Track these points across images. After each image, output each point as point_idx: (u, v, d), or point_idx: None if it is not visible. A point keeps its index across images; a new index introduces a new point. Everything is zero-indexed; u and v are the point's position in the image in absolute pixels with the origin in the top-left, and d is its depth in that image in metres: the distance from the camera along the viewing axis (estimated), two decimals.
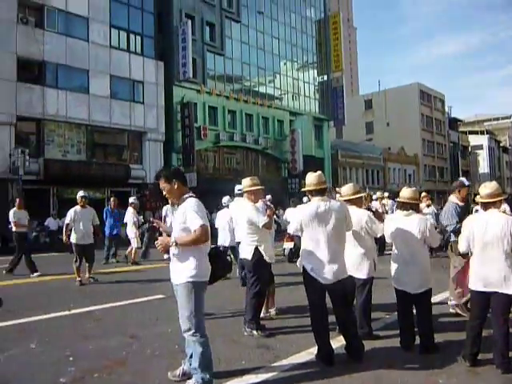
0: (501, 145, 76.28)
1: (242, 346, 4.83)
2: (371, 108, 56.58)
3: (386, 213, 12.03)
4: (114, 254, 12.97)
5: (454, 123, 63.97)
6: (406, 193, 4.86)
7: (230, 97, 30.93)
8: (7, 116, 20.45)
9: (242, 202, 5.60)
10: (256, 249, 5.30)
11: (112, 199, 13.23)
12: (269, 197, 13.48)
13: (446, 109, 62.51)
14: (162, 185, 3.73)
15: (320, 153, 38.28)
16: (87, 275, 9.33)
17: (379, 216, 5.40)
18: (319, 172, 4.57)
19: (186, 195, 3.70)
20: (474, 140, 68.29)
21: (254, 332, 5.14)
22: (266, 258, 5.34)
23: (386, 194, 14.56)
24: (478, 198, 4.35)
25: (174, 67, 27.39)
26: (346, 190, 5.17)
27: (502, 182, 75.57)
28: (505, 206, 11.31)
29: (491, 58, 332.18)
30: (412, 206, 4.80)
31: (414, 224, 4.66)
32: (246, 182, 5.49)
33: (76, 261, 9.09)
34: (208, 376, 3.52)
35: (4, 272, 10.29)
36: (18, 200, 10.75)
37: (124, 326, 5.74)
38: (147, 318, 6.06)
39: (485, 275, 4.13)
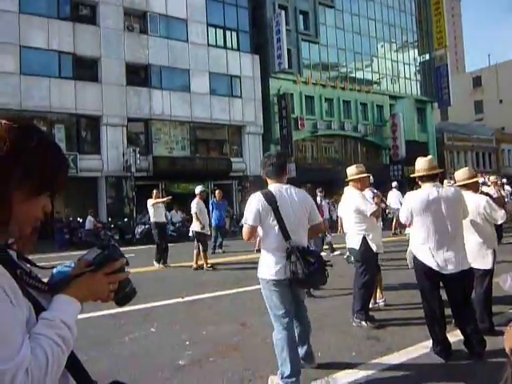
0: None
1: (351, 336, 4.75)
2: (480, 85, 52.31)
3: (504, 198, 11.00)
4: (221, 245, 13.49)
5: None
6: None
7: (326, 85, 30.47)
8: (120, 118, 22.20)
9: (348, 191, 5.47)
10: (364, 238, 5.18)
11: (217, 192, 13.68)
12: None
13: None
14: None
15: (423, 137, 36.29)
16: (197, 263, 10.09)
17: (499, 201, 4.96)
18: (430, 156, 4.31)
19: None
20: None
21: (363, 323, 5.03)
22: (373, 247, 5.20)
23: (505, 181, 13.34)
24: None
25: (269, 59, 27.63)
26: (461, 174, 4.81)
27: None
28: None
29: None
30: None
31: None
32: (352, 171, 5.37)
33: (204, 249, 9.99)
34: (287, 372, 3.43)
35: (156, 265, 10.62)
36: (155, 192, 11.21)
37: (234, 313, 5.96)
38: (256, 306, 6.20)
39: None
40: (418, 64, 37.70)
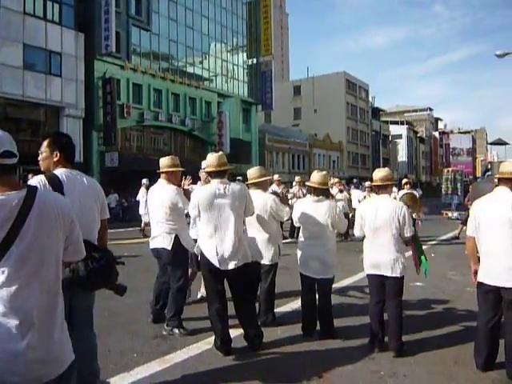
0: (418, 135, 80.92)
1: (138, 336, 4.54)
2: (300, 94, 57.46)
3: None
4: None
5: (377, 112, 66.81)
6: (316, 177, 4.70)
7: (156, 75, 29.81)
8: None
9: (159, 184, 4.87)
10: (176, 237, 4.66)
11: None
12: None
13: (370, 98, 65.02)
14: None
15: (248, 136, 38.23)
16: None
17: (285, 200, 5.29)
18: (220, 153, 4.37)
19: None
20: (394, 130, 71.82)
21: (176, 330, 4.61)
22: (186, 246, 4.75)
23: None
24: (366, 184, 4.47)
25: (95, 40, 25.83)
26: (253, 172, 4.93)
27: (418, 170, 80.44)
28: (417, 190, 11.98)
29: (413, 53, 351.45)
30: (323, 192, 4.71)
31: (324, 210, 4.59)
32: (165, 162, 4.82)
33: None
34: None
35: None
36: None
37: None
38: None
39: (375, 259, 4.20)
40: (246, 67, 39.51)
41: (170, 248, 4.63)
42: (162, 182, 4.83)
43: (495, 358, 3.77)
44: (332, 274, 4.64)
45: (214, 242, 4.05)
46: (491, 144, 58.00)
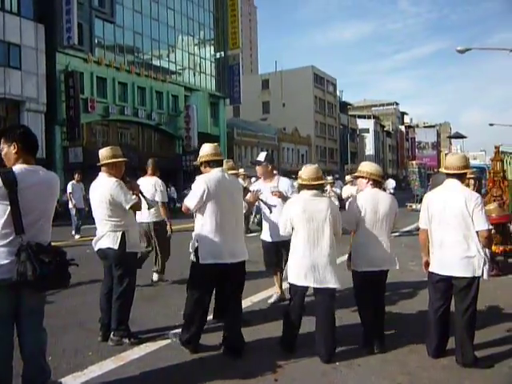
0: (385, 129, 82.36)
1: (95, 335, 4.41)
2: (268, 88, 57.50)
3: None
4: None
5: (345, 107, 67.59)
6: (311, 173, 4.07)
7: (120, 68, 29.25)
8: None
9: (100, 178, 4.43)
10: (123, 235, 4.26)
11: None
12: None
13: (338, 93, 65.71)
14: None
15: (216, 130, 38.03)
16: None
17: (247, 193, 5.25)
18: (215, 144, 4.35)
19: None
20: (361, 124, 72.87)
21: (125, 340, 4.22)
22: (130, 246, 4.35)
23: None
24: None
25: (57, 32, 25.14)
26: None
27: (385, 163, 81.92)
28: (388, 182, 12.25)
29: (380, 48, 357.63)
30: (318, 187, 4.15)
31: (325, 206, 4.01)
32: (105, 153, 4.33)
33: None
34: None
35: None
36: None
37: None
38: None
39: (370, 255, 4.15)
40: (214, 60, 39.18)
41: (116, 247, 4.24)
42: (102, 175, 4.41)
43: (445, 346, 3.89)
44: (334, 282, 3.97)
45: (224, 234, 3.94)
46: (450, 137, 59.52)
